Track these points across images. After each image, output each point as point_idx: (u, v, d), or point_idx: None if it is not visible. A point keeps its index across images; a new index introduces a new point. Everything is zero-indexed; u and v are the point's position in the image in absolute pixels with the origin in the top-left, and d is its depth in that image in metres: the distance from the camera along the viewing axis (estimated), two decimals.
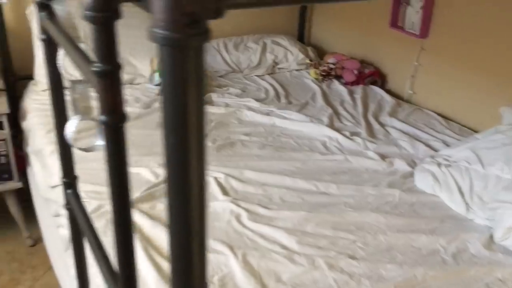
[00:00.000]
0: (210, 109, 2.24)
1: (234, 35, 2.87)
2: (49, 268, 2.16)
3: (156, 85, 2.43)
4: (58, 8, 0.79)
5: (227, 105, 2.29)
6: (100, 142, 0.91)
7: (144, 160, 1.78)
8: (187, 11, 0.42)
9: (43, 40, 0.85)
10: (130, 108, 2.20)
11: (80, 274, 1.08)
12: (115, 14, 0.49)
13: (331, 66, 2.61)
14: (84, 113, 0.86)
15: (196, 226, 0.51)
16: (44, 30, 0.83)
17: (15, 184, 2.16)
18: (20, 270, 2.16)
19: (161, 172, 1.73)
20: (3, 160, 2.11)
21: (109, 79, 0.52)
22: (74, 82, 0.84)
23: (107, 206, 1.53)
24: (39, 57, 2.34)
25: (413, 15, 2.34)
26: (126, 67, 2.46)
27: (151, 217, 1.47)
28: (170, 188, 0.49)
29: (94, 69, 0.52)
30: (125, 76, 2.44)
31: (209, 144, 1.95)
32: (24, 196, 2.26)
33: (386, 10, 2.48)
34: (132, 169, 1.74)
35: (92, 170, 1.72)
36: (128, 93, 2.35)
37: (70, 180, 0.97)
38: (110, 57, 0.51)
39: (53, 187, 1.73)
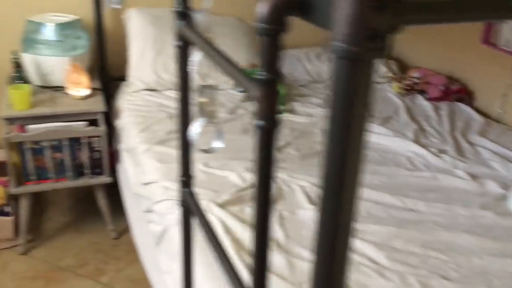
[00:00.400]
0: (293, 118, 2.27)
1: (316, 45, 2.89)
2: (131, 260, 2.27)
3: (241, 91, 2.50)
4: (198, 18, 0.84)
5: (309, 115, 2.31)
6: (219, 144, 0.96)
7: (231, 164, 1.84)
8: (370, 26, 0.44)
9: (178, 47, 0.91)
10: None
11: (187, 272, 1.12)
12: (284, 27, 0.52)
13: (416, 80, 2.56)
14: (209, 116, 0.90)
15: (345, 231, 0.53)
16: (180, 38, 0.89)
17: (105, 178, 2.28)
18: (104, 261, 2.28)
19: (248, 177, 1.77)
20: (96, 155, 2.24)
21: (270, 87, 0.55)
22: (204, 87, 0.89)
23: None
24: (133, 60, 2.47)
25: (508, 32, 2.25)
26: (213, 73, 2.54)
27: (241, 220, 1.51)
28: (326, 191, 0.51)
29: (258, 76, 0.55)
30: (210, 81, 2.52)
31: (293, 152, 1.97)
32: (112, 191, 2.38)
33: (477, 26, 2.40)
34: (220, 172, 1.80)
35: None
36: None
37: (187, 179, 1.02)
38: (274, 67, 0.54)
39: (146, 184, 1.82)
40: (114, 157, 2.33)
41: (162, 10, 2.58)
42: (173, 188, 1.68)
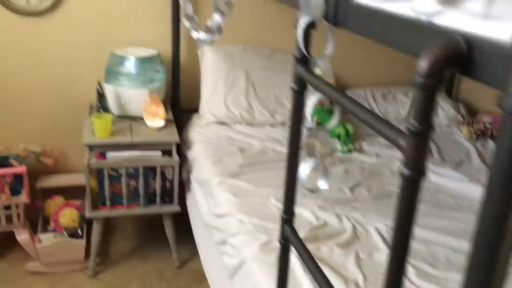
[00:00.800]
0: (361, 158, 2.28)
1: (381, 85, 2.91)
2: None
3: (309, 128, 2.52)
4: (319, 63, 0.88)
5: (378, 155, 2.31)
6: (324, 185, 0.98)
7: (304, 201, 1.85)
8: None
9: (295, 90, 0.95)
10: (283, 149, 2.31)
11: None
12: (441, 82, 0.54)
13: (487, 125, 2.52)
14: (319, 157, 0.93)
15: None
16: (298, 81, 0.93)
17: (175, 208, 2.34)
18: None
19: (321, 215, 1.78)
20: (167, 184, 2.31)
21: (421, 139, 0.57)
22: (316, 129, 0.92)
23: (276, 243, 1.60)
24: (205, 94, 2.56)
25: None
26: (280, 110, 2.59)
27: (318, 258, 1.51)
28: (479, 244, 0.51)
29: (410, 128, 0.57)
30: (278, 118, 2.57)
31: (364, 192, 1.97)
32: (178, 220, 2.44)
33: None
34: None
35: (258, 204, 1.83)
36: (281, 134, 2.47)
37: (289, 216, 1.05)
38: (428, 120, 0.56)
39: (219, 216, 1.86)
40: (183, 187, 2.39)
41: (235, 47, 2.67)
42: (249, 222, 1.71)
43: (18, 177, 2.30)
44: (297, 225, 1.71)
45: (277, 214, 1.77)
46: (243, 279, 1.57)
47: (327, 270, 1.46)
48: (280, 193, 1.88)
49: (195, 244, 2.44)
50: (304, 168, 0.94)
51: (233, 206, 1.82)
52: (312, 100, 0.93)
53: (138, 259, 2.50)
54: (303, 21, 0.79)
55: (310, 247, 1.59)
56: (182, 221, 2.43)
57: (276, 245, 1.58)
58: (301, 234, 1.64)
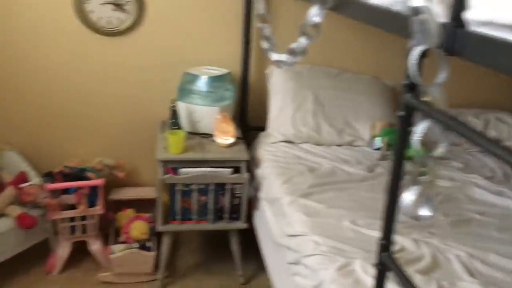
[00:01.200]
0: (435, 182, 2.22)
1: (453, 106, 2.83)
2: None
3: (376, 149, 2.50)
4: (433, 92, 0.87)
5: (452, 179, 2.24)
6: (427, 213, 0.96)
7: (380, 224, 1.82)
8: None
9: (401, 117, 0.95)
10: (352, 169, 2.29)
11: None
12: None
13: None
14: (423, 186, 0.92)
15: None
16: (406, 108, 0.93)
17: (242, 224, 2.36)
18: None
19: (398, 239, 1.74)
20: (236, 201, 2.34)
21: None
22: (423, 158, 0.91)
23: (353, 265, 1.58)
24: (273, 112, 2.59)
25: None
26: (348, 130, 2.58)
27: None
28: None
29: None
30: (346, 137, 2.56)
31: (442, 218, 1.91)
32: (243, 236, 2.46)
33: None
34: (368, 231, 1.79)
35: (332, 226, 1.81)
36: (348, 154, 2.45)
37: (387, 243, 1.04)
38: None
39: (291, 236, 1.86)
40: (251, 204, 2.41)
41: (302, 66, 2.69)
42: (324, 243, 1.70)
43: (93, 189, 2.40)
44: (373, 248, 1.69)
45: (352, 237, 1.76)
46: None
47: None
48: (354, 215, 1.88)
49: (260, 261, 2.45)
50: (408, 196, 0.93)
51: (306, 227, 1.81)
52: (421, 127, 0.92)
53: (204, 273, 2.53)
54: (418, 50, 0.79)
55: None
56: (247, 238, 2.45)
57: (354, 268, 1.57)
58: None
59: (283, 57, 1.64)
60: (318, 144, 2.52)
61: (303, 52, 1.52)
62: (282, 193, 2.07)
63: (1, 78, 2.48)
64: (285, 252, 1.88)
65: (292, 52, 1.56)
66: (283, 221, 1.97)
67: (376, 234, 1.76)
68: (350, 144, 2.57)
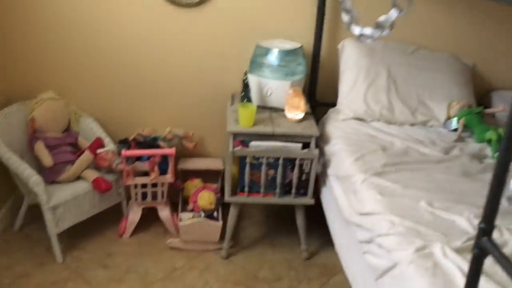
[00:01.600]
0: None
1: None
2: (324, 284, 2.30)
3: (452, 130, 2.40)
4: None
5: None
6: None
7: (458, 208, 1.76)
8: None
9: None
10: (427, 150, 2.21)
11: None
12: None
13: None
14: None
15: None
16: None
17: (308, 200, 2.36)
18: (297, 279, 2.34)
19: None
20: (304, 177, 2.33)
21: None
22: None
23: (432, 248, 1.54)
24: (344, 88, 2.53)
25: None
26: (422, 109, 2.49)
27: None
28: None
29: None
30: (419, 117, 2.47)
31: None
32: (308, 212, 2.45)
33: None
34: (446, 214, 1.73)
35: (408, 206, 1.77)
36: (422, 134, 2.37)
37: (488, 227, 0.99)
38: None
39: (364, 214, 1.83)
40: (318, 180, 2.40)
41: (377, 42, 2.60)
42: (400, 223, 1.66)
43: (164, 158, 2.46)
44: (452, 232, 1.64)
45: (429, 219, 1.71)
46: (394, 283, 1.53)
47: (490, 282, 1.38)
48: (430, 197, 1.82)
49: (324, 237, 2.45)
50: None
51: (381, 206, 1.78)
52: None
53: (267, 246, 2.56)
54: None
55: (469, 258, 1.51)
56: (312, 214, 2.45)
57: (432, 250, 1.53)
58: (459, 243, 1.57)
59: (367, 31, 1.58)
60: (390, 123, 2.45)
61: (391, 26, 1.46)
62: (354, 170, 2.04)
63: (80, 49, 2.56)
64: (356, 230, 1.86)
65: (379, 26, 1.50)
66: (354, 199, 1.94)
67: (454, 217, 1.72)
68: (423, 124, 2.48)
